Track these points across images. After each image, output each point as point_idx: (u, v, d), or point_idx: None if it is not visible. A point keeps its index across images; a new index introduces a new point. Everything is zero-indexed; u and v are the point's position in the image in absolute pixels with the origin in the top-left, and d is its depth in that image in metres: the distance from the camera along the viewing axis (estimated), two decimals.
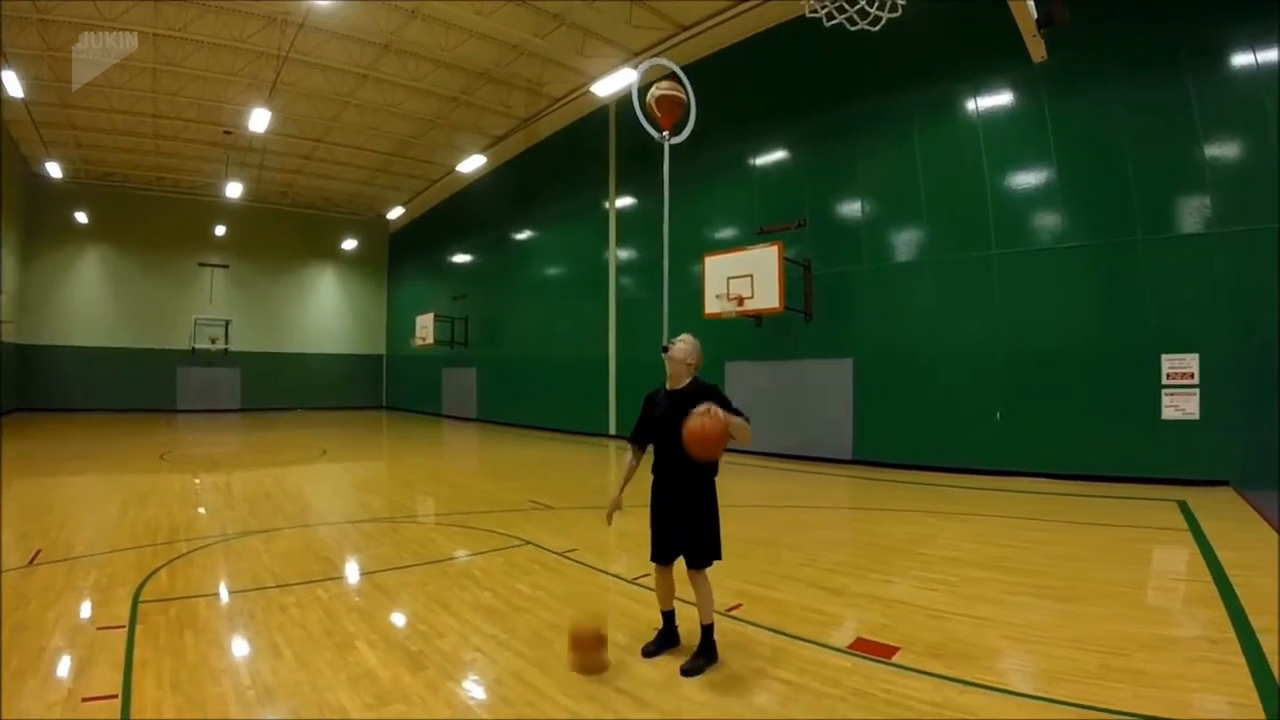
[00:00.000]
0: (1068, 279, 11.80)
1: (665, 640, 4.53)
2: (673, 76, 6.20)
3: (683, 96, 5.94)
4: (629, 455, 4.71)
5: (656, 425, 4.45)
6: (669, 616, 4.59)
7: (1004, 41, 11.14)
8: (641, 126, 6.57)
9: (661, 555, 4.47)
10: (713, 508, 4.40)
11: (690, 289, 16.20)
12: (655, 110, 5.89)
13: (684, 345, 4.49)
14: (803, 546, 7.49)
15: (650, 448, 4.60)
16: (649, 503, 4.54)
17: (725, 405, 4.15)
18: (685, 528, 4.35)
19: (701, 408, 3.99)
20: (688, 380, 4.47)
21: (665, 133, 5.82)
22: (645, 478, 4.52)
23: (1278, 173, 9.88)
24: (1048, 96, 12.04)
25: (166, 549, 7.05)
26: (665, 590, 4.55)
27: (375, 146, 26.99)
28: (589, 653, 4.19)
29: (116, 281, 31.82)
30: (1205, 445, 10.54)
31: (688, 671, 4.13)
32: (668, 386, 4.52)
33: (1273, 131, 10.00)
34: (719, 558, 4.38)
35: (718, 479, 4.43)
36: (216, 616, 5.11)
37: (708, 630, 4.31)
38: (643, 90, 6.43)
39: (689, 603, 4.49)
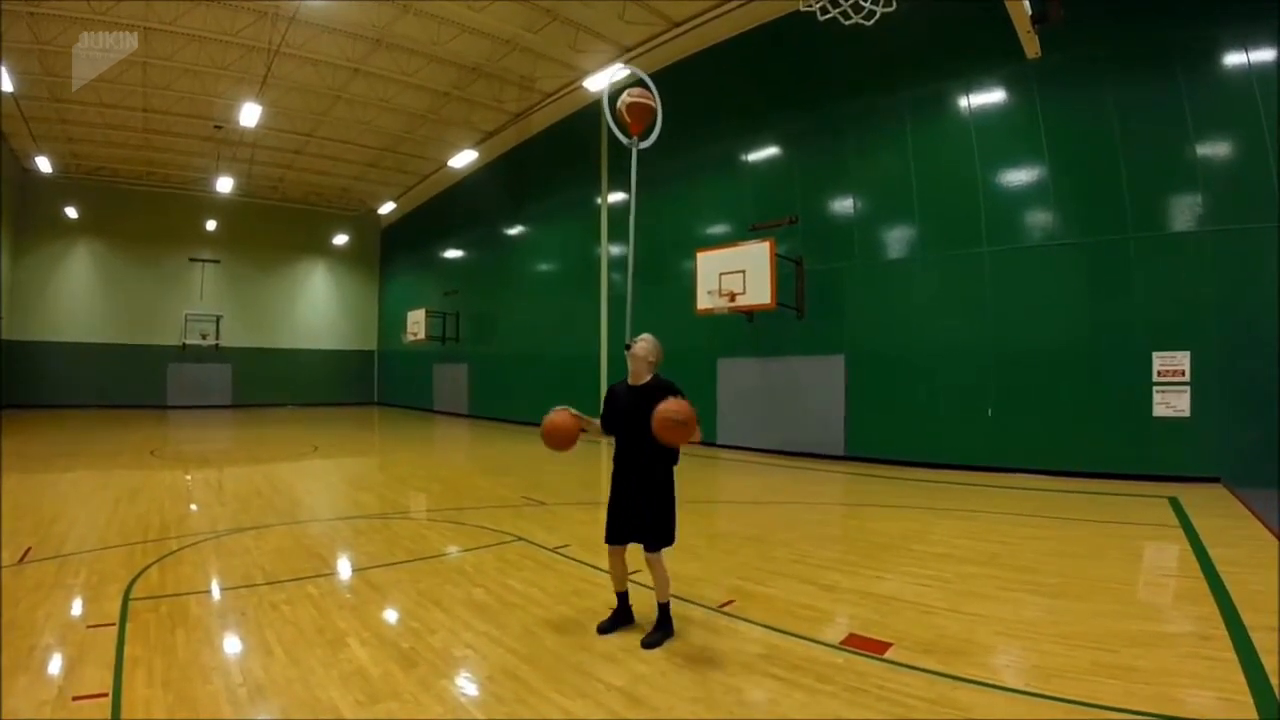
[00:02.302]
0: (1059, 276, 11.83)
1: (619, 619, 4.84)
2: (642, 84, 6.27)
3: (652, 104, 6.05)
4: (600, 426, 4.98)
5: (618, 418, 4.79)
6: (623, 597, 4.89)
7: (996, 39, 11.18)
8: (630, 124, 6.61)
9: (614, 537, 4.76)
10: (669, 495, 4.70)
11: (682, 285, 16.19)
12: (625, 116, 6.00)
13: (645, 344, 4.80)
14: (794, 543, 7.50)
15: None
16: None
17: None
18: (642, 513, 4.63)
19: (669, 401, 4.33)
20: (648, 377, 4.78)
21: (634, 138, 5.94)
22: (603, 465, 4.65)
23: (1271, 172, 9.94)
24: (1040, 94, 12.06)
25: (157, 546, 7.01)
26: (619, 572, 4.83)
27: (367, 141, 26.87)
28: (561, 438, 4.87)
29: (107, 277, 31.68)
30: (1196, 442, 10.61)
31: (648, 644, 4.46)
32: (629, 382, 4.84)
33: (1263, 130, 10.04)
34: (671, 542, 4.69)
35: (678, 468, 4.78)
36: (207, 614, 5.08)
37: (664, 607, 4.67)
38: (614, 97, 6.52)
39: (647, 587, 4.83)
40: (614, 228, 20.89)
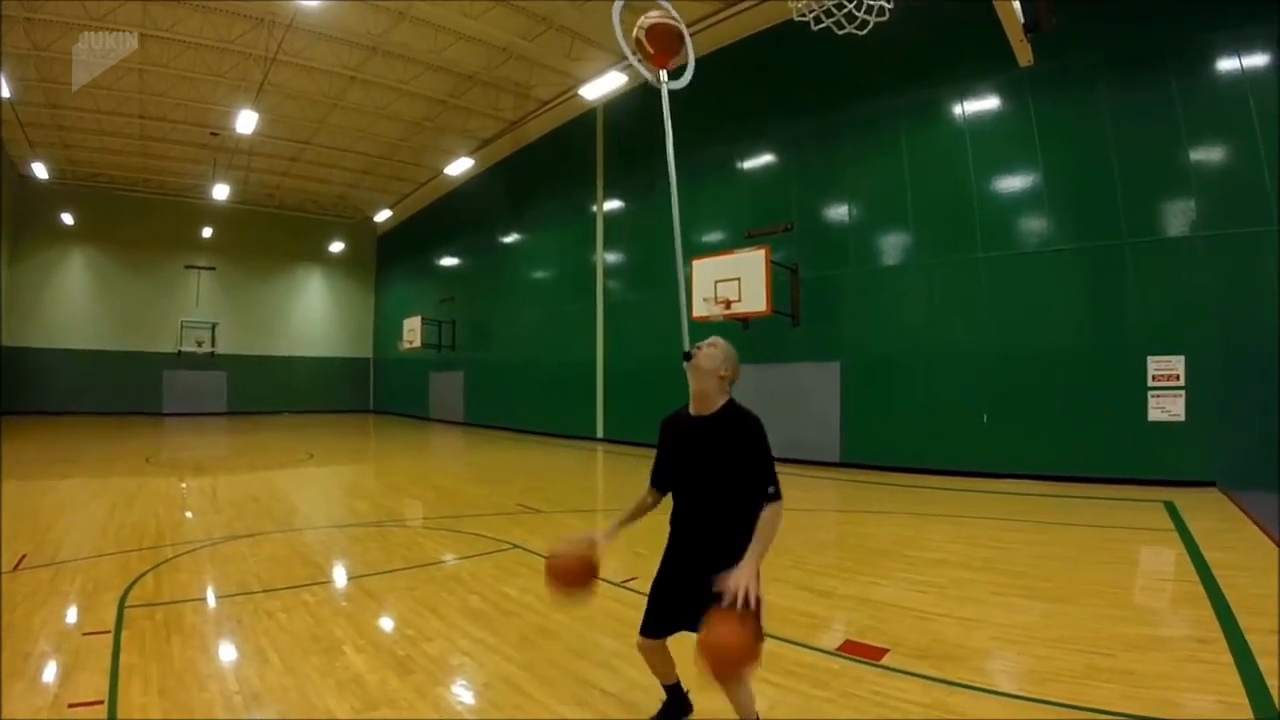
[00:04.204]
0: (1054, 282, 11.87)
1: (674, 713, 3.48)
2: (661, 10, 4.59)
3: (676, 25, 4.41)
4: (645, 494, 3.40)
5: (676, 467, 3.26)
6: (673, 688, 3.48)
7: (990, 46, 11.23)
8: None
9: (655, 629, 3.22)
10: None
11: (677, 292, 16.17)
12: (647, 46, 4.39)
13: (714, 350, 3.22)
14: (790, 548, 7.48)
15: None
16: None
17: (765, 458, 3.10)
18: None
19: (728, 603, 2.66)
20: (721, 402, 3.18)
21: (662, 72, 4.35)
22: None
23: (1265, 175, 9.99)
24: (1034, 100, 12.12)
25: (152, 553, 6.99)
26: (663, 665, 3.39)
27: (363, 149, 26.89)
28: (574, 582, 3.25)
29: (102, 283, 31.63)
30: (1192, 446, 10.63)
31: None
32: (691, 410, 3.24)
33: (1257, 134, 10.09)
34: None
35: None
36: (203, 622, 5.06)
37: None
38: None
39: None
40: (610, 235, 20.93)
